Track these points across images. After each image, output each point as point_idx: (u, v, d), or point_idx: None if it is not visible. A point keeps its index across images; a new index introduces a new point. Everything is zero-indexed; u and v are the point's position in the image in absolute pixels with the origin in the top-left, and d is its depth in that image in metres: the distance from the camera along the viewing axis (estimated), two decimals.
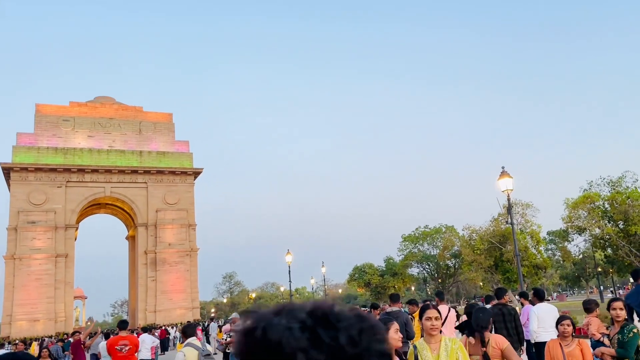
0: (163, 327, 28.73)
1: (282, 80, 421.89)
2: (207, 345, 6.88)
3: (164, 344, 27.85)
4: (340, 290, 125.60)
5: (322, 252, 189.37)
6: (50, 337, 46.91)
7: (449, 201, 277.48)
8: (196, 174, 66.09)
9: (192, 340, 6.80)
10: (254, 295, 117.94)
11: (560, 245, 66.88)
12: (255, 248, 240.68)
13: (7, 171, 58.09)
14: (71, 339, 16.43)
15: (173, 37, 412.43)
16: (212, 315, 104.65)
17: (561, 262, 72.95)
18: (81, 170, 60.44)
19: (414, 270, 74.31)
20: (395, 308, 10.64)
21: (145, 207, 62.70)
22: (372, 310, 12.43)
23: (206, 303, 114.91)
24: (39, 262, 57.02)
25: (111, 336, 13.36)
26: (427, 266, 72.25)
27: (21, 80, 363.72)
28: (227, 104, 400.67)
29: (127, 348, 9.79)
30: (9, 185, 59.22)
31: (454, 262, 69.32)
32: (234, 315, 16.73)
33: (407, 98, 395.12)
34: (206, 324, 32.94)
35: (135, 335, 13.09)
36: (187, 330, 6.98)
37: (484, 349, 5.49)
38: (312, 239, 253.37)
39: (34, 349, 20.40)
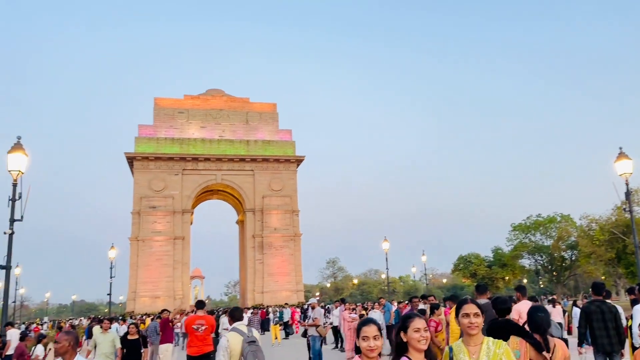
0: (263, 309, 30.02)
1: (382, 69, 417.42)
2: (253, 330, 6.80)
3: (264, 325, 29.08)
4: (444, 280, 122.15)
5: (425, 240, 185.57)
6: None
7: (565, 188, 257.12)
8: (299, 161, 67.81)
9: (238, 325, 6.70)
10: (356, 281, 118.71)
11: None
12: (357, 234, 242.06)
13: (131, 160, 63.84)
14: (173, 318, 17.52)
15: (277, 31, 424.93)
16: (317, 298, 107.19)
17: None
18: (195, 159, 64.68)
19: (524, 262, 69.93)
20: (483, 300, 9.87)
21: (252, 193, 65.69)
22: (449, 301, 11.70)
23: (312, 287, 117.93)
24: (159, 243, 62.19)
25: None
26: (539, 257, 67.58)
27: (142, 76, 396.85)
28: (329, 92, 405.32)
29: (203, 328, 10.22)
30: (132, 173, 64.95)
31: (570, 253, 64.16)
32: (313, 300, 16.86)
33: (522, 85, 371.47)
34: (305, 307, 33.70)
35: (212, 315, 13.65)
36: (235, 314, 6.90)
37: (549, 355, 4.85)
38: (414, 226, 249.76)
39: (143, 327, 22.24)
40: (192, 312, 15.55)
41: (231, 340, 6.43)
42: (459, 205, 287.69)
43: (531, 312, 5.28)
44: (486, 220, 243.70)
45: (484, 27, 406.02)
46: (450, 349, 4.01)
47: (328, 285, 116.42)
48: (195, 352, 10.51)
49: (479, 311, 3.97)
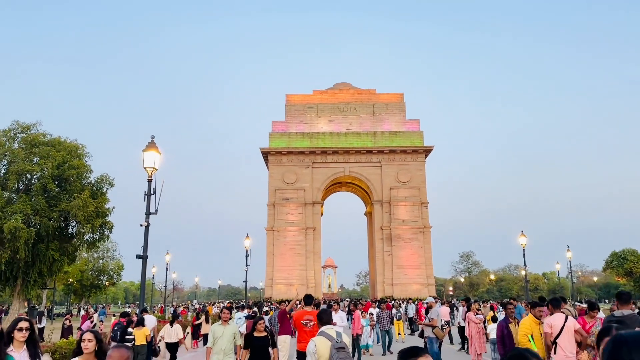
0: (388, 302, 29.43)
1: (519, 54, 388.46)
2: (343, 336, 6.34)
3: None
4: (595, 279, 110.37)
5: (572, 233, 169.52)
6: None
7: None
8: (427, 151, 65.86)
9: (326, 329, 6.33)
10: (493, 277, 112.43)
11: None
12: (493, 226, 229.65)
13: (266, 155, 67.27)
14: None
15: (402, 22, 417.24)
16: (450, 293, 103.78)
17: None
18: (324, 152, 66.13)
19: None
20: (627, 311, 8.26)
21: (379, 185, 65.38)
22: (589, 309, 10.11)
23: (444, 281, 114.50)
24: (292, 233, 64.80)
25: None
26: None
27: (274, 73, 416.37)
28: (458, 81, 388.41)
29: (311, 324, 10.07)
30: (267, 166, 68.39)
31: None
32: (430, 299, 15.98)
33: None
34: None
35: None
36: (323, 317, 6.54)
37: None
38: (559, 217, 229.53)
39: (272, 313, 23.12)
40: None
41: (319, 345, 6.12)
42: (613, 195, 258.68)
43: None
44: None
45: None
46: None
47: (462, 280, 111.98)
48: (304, 347, 10.45)
49: None
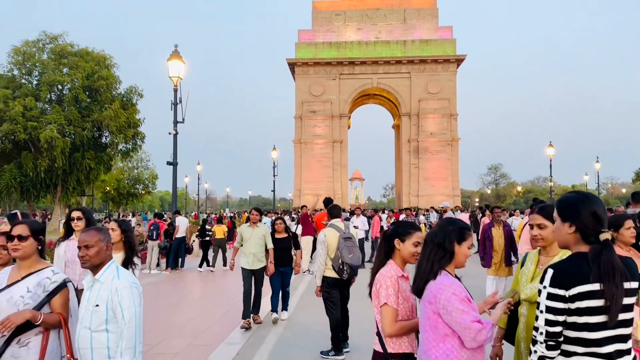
0: (412, 211, 30.43)
1: None
2: (350, 228, 7.04)
3: None
4: (624, 190, 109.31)
5: (602, 143, 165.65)
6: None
7: None
8: (459, 61, 63.63)
9: (335, 221, 7.03)
10: (520, 188, 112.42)
11: None
12: (523, 138, 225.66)
13: (292, 66, 66.25)
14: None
15: None
16: (476, 204, 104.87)
17: None
18: (351, 63, 64.66)
19: None
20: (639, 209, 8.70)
21: (408, 96, 64.23)
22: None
23: (471, 192, 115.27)
24: (319, 146, 65.34)
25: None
26: None
27: None
28: None
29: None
30: (294, 78, 67.62)
31: None
32: (445, 204, 16.46)
33: None
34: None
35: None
36: (333, 212, 7.21)
37: None
38: (589, 127, 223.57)
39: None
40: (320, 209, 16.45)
41: (328, 235, 6.87)
42: None
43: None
44: None
45: None
46: (525, 255, 3.70)
47: (489, 191, 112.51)
48: None
49: (544, 222, 3.39)
